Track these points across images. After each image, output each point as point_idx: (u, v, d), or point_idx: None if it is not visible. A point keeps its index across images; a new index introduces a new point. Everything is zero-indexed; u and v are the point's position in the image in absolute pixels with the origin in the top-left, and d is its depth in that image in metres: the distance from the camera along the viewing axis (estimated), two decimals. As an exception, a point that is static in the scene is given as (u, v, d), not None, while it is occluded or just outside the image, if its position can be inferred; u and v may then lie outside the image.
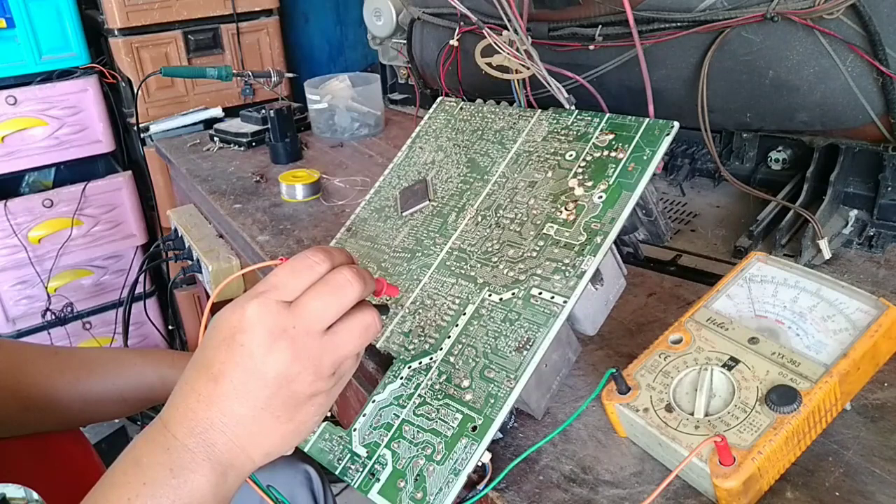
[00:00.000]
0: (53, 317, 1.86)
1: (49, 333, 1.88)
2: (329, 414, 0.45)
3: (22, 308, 1.79)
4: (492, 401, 0.46)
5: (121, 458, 0.40)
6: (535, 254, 0.52)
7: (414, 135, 0.70)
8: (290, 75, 1.50)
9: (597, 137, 0.56)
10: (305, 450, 0.52)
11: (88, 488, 0.40)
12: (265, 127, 1.24)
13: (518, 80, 0.69)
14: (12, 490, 0.70)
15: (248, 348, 0.38)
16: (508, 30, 0.63)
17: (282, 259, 0.43)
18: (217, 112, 1.61)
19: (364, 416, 0.50)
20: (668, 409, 0.45)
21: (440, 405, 0.48)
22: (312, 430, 0.44)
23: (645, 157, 0.52)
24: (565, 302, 0.48)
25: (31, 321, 1.84)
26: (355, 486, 0.48)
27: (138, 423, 1.71)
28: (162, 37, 1.74)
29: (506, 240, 0.54)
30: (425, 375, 0.50)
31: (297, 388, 0.39)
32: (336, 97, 1.24)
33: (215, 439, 0.39)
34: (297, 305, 0.39)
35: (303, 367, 0.39)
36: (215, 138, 1.31)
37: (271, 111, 1.15)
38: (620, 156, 0.53)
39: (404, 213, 0.63)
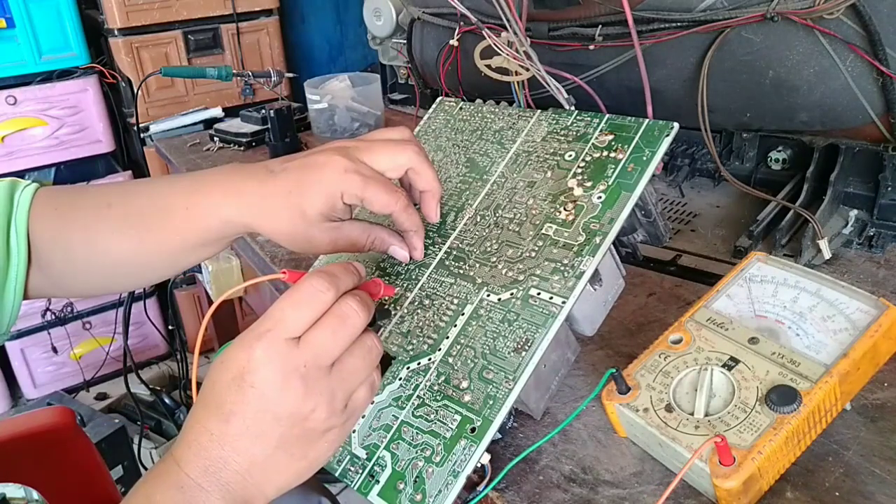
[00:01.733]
0: (53, 317, 1.86)
1: (49, 333, 1.88)
2: None
3: (22, 308, 1.79)
4: (490, 402, 0.46)
5: (131, 493, 0.39)
6: (533, 254, 0.52)
7: (413, 134, 0.70)
8: (290, 75, 1.50)
9: (596, 138, 0.56)
10: None
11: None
12: (265, 127, 1.24)
13: (517, 81, 0.69)
14: (12, 490, 0.70)
15: (259, 389, 0.38)
16: (508, 30, 0.63)
17: (283, 272, 0.42)
18: (217, 112, 1.61)
19: (363, 417, 0.50)
20: (668, 409, 0.45)
21: (439, 406, 0.48)
22: (326, 463, 0.44)
23: (644, 158, 0.52)
24: (564, 302, 0.48)
25: (31, 321, 1.84)
26: (355, 487, 0.48)
27: (138, 423, 1.71)
28: (162, 37, 1.74)
29: (504, 240, 0.54)
30: (424, 376, 0.50)
31: (311, 426, 0.39)
32: (336, 97, 1.23)
33: (229, 478, 0.38)
34: (306, 342, 0.39)
35: (316, 403, 0.39)
36: (215, 138, 1.31)
37: (271, 111, 1.15)
38: (620, 156, 0.53)
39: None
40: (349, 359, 0.40)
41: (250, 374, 0.38)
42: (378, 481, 0.47)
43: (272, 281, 0.43)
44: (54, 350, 1.91)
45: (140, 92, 1.59)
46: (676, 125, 0.52)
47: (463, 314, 0.52)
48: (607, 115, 0.57)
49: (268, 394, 0.38)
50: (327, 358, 0.39)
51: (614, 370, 0.47)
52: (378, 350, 0.42)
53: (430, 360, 0.51)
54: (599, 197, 0.52)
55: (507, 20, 0.63)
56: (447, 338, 0.51)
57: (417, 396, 0.49)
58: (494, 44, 0.66)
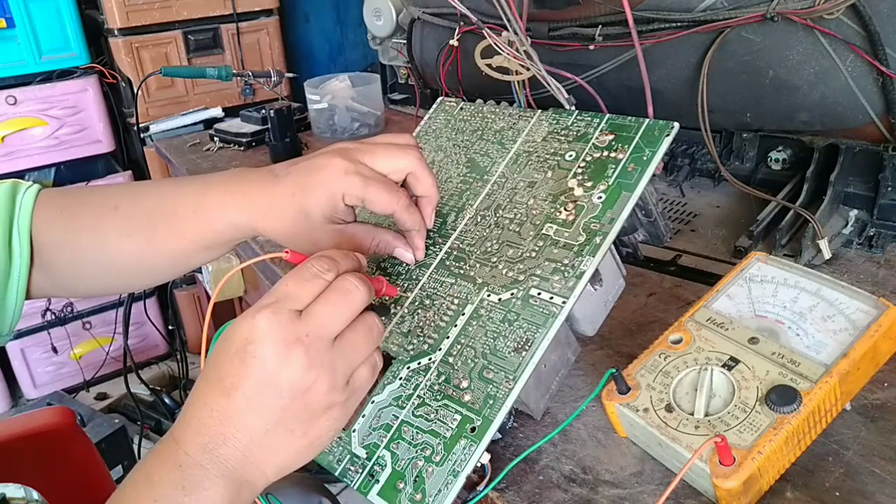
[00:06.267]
0: (53, 317, 1.86)
1: (49, 333, 1.88)
2: None
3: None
4: (490, 401, 0.46)
5: (131, 474, 0.39)
6: (534, 254, 0.52)
7: (413, 135, 0.70)
8: (290, 75, 1.51)
9: (596, 138, 0.56)
10: None
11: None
12: (265, 127, 1.24)
13: (518, 81, 0.69)
14: (12, 490, 0.71)
15: (261, 359, 0.38)
16: (508, 30, 0.63)
17: (286, 251, 0.43)
18: (217, 112, 1.61)
19: (363, 416, 0.50)
20: (668, 409, 0.45)
21: (439, 406, 0.48)
22: (327, 446, 0.44)
23: (645, 158, 0.52)
24: (564, 302, 0.48)
25: (31, 321, 1.84)
26: (355, 487, 0.48)
27: (138, 423, 1.71)
28: (162, 37, 1.74)
29: (505, 240, 0.54)
30: (424, 376, 0.50)
31: (312, 399, 0.39)
32: (336, 97, 1.23)
33: (228, 455, 0.38)
34: (308, 314, 0.39)
35: (317, 375, 0.39)
36: (215, 138, 1.31)
37: (271, 111, 1.15)
38: (620, 156, 0.53)
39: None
40: (350, 334, 0.41)
41: (253, 345, 0.38)
42: (378, 481, 0.47)
43: (273, 260, 0.44)
44: (54, 350, 1.91)
45: (140, 92, 1.59)
46: (677, 125, 0.52)
47: (463, 314, 0.52)
48: (608, 115, 0.57)
49: (270, 364, 0.38)
50: (329, 330, 0.40)
51: (614, 370, 0.47)
52: (379, 329, 0.43)
53: (430, 359, 0.51)
54: (600, 197, 0.52)
55: (508, 20, 0.63)
56: (447, 338, 0.51)
57: (417, 396, 0.49)
58: (495, 43, 0.66)
